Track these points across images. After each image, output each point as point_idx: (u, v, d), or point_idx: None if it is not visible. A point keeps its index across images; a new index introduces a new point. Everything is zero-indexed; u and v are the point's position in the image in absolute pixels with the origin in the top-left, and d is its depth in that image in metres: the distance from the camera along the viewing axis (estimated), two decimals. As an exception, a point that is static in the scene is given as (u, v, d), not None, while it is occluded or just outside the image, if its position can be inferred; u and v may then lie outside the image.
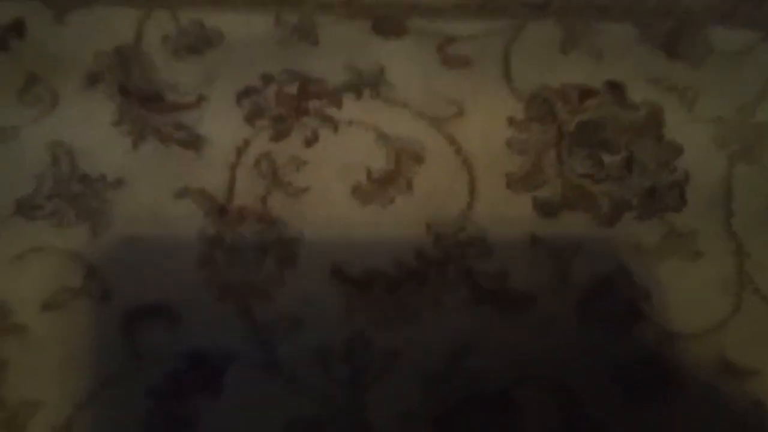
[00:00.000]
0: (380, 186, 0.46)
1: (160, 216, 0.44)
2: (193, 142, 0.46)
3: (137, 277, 0.44)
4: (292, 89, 0.47)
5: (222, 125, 0.46)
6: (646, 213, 0.43)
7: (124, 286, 0.44)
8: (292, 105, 0.47)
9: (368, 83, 0.48)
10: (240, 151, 0.46)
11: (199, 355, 0.43)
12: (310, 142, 0.47)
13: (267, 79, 0.47)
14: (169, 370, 0.43)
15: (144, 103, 0.46)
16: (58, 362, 0.43)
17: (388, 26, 0.49)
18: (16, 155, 0.45)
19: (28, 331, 0.43)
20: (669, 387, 0.41)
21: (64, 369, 0.43)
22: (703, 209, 0.44)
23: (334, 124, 0.47)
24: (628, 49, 0.51)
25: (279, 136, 0.47)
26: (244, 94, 0.47)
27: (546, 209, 0.43)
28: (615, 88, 0.48)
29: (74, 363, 0.43)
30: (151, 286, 0.44)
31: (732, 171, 0.45)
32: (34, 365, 0.43)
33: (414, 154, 0.46)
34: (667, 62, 0.50)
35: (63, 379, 0.43)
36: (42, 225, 0.44)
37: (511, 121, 0.47)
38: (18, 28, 0.48)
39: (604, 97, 0.48)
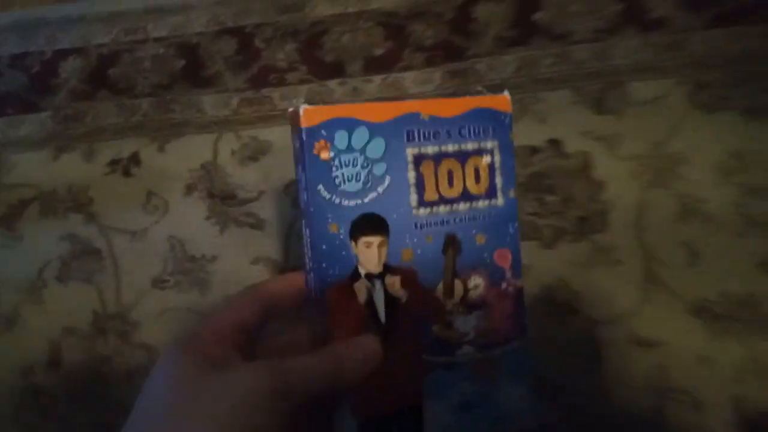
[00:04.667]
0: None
1: (242, 279, 0.65)
2: (259, 224, 0.67)
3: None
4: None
5: (277, 210, 0.67)
6: (578, 236, 0.60)
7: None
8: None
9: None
10: (291, 227, 0.66)
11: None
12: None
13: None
14: None
15: (224, 201, 0.68)
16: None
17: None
18: (147, 248, 0.67)
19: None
20: (597, 358, 0.56)
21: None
22: (621, 228, 0.59)
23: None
24: (564, 111, 0.67)
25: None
26: (289, 185, 0.68)
27: (505, 242, 0.61)
28: (554, 144, 0.65)
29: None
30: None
31: (644, 196, 0.61)
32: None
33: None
34: (595, 116, 0.66)
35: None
36: (169, 293, 0.66)
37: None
38: (135, 159, 0.71)
39: (546, 152, 0.65)
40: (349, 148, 0.35)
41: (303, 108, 0.34)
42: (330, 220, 0.34)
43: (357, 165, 0.35)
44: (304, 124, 0.34)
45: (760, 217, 0.58)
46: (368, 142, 0.35)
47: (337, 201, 0.35)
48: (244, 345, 0.33)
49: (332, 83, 0.72)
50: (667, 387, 0.52)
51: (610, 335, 0.55)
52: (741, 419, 0.50)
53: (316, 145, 0.34)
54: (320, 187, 0.34)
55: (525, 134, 0.66)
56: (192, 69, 0.76)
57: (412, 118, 0.36)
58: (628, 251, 0.58)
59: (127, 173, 0.69)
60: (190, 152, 0.70)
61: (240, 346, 0.32)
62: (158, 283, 0.65)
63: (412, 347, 0.37)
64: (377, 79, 0.72)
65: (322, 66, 0.74)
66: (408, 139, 0.36)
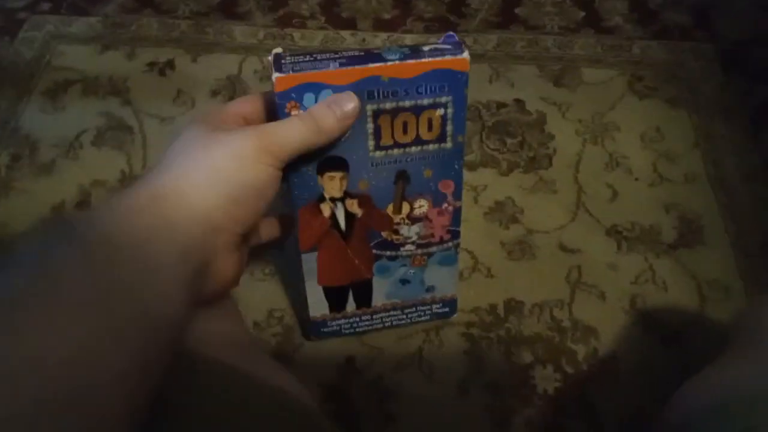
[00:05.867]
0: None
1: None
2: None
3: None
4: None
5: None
6: (528, 169, 0.74)
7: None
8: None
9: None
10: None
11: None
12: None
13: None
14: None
15: (242, 107, 0.80)
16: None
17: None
18: (173, 130, 0.76)
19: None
20: (531, 256, 0.70)
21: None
22: (562, 168, 0.74)
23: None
24: (530, 81, 0.83)
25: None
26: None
27: (469, 166, 0.75)
28: (518, 102, 0.81)
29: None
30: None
31: (583, 148, 0.76)
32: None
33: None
34: (553, 89, 0.82)
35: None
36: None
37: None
38: (171, 64, 0.83)
39: (511, 108, 0.80)
40: None
41: (275, 77, 0.37)
42: (300, 159, 0.39)
43: None
44: (277, 89, 0.38)
45: (667, 174, 0.74)
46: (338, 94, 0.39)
47: None
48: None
49: (345, 33, 0.87)
50: (580, 281, 0.66)
51: (542, 241, 0.68)
52: (635, 310, 0.64)
53: (288, 105, 0.38)
54: None
55: (497, 93, 0.81)
56: (227, 5, 0.90)
57: (373, 80, 0.39)
58: (565, 185, 0.73)
59: (162, 73, 0.81)
60: (218, 66, 0.82)
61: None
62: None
63: (365, 245, 0.49)
64: (383, 35, 0.87)
65: (338, 19, 0.88)
66: (368, 98, 0.40)
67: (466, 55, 0.40)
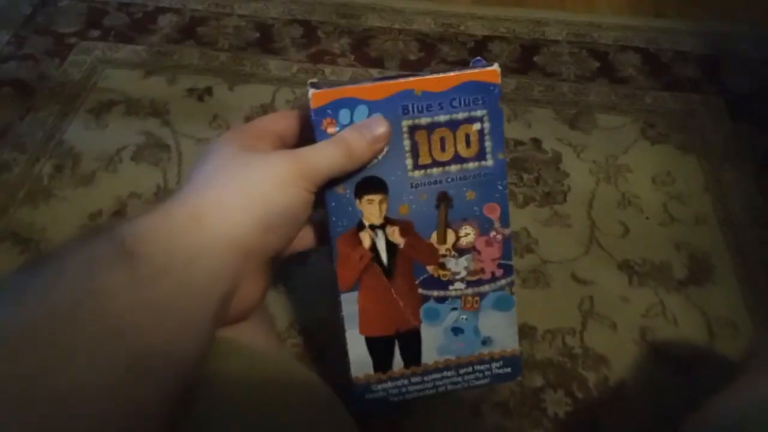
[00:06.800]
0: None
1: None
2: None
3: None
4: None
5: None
6: (543, 204, 0.78)
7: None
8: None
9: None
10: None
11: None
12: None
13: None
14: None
15: (273, 134, 0.85)
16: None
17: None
18: None
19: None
20: (545, 284, 0.72)
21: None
22: (576, 204, 0.77)
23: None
24: (546, 123, 0.87)
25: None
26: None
27: (487, 198, 0.78)
28: (535, 141, 0.85)
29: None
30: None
31: (596, 187, 0.80)
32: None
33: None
34: (569, 131, 0.86)
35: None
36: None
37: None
38: (209, 91, 0.88)
39: (528, 146, 0.84)
40: (352, 124, 0.39)
41: (311, 92, 0.37)
42: (337, 183, 0.39)
43: None
44: (313, 105, 0.38)
45: (677, 215, 0.77)
46: (368, 118, 0.39)
47: None
48: (278, 148, 0.38)
49: (373, 71, 0.92)
50: (592, 311, 0.68)
51: (555, 271, 0.71)
52: (645, 341, 0.66)
53: (324, 122, 0.38)
54: None
55: (514, 132, 0.85)
56: (264, 41, 0.95)
57: (407, 94, 0.39)
58: (578, 220, 0.76)
59: (200, 99, 0.86)
60: (253, 95, 0.87)
61: (275, 147, 0.37)
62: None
63: (410, 283, 0.46)
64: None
65: (367, 58, 0.94)
66: (403, 113, 0.40)
67: (496, 66, 0.41)
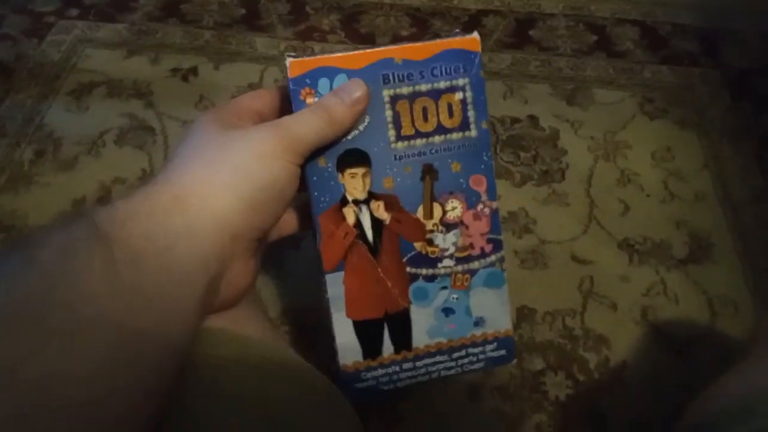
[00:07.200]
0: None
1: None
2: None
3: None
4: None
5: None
6: (541, 182, 0.76)
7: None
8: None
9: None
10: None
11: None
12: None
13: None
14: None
15: (262, 114, 0.82)
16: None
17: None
18: None
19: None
20: (543, 265, 0.71)
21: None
22: (575, 183, 0.76)
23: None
24: (543, 99, 0.85)
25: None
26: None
27: (484, 178, 0.76)
28: (532, 118, 0.82)
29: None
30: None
31: (595, 164, 0.78)
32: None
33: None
34: (566, 107, 0.84)
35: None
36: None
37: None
38: (194, 71, 0.85)
39: (525, 123, 0.82)
40: None
41: (289, 60, 0.36)
42: (318, 156, 0.38)
43: None
44: (291, 74, 0.37)
45: (677, 192, 0.75)
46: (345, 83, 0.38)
47: None
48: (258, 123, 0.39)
49: (363, 48, 0.89)
50: (592, 291, 0.66)
51: (554, 251, 0.69)
52: (646, 321, 0.64)
53: (302, 91, 0.37)
54: None
55: (511, 109, 0.83)
56: (250, 17, 0.92)
57: (387, 63, 0.38)
58: (577, 198, 0.74)
59: (185, 79, 0.83)
60: (240, 74, 0.85)
61: (255, 124, 0.36)
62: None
63: (397, 262, 0.42)
64: (400, 51, 0.89)
65: (357, 34, 0.91)
66: (384, 82, 0.39)
67: (475, 35, 0.40)
